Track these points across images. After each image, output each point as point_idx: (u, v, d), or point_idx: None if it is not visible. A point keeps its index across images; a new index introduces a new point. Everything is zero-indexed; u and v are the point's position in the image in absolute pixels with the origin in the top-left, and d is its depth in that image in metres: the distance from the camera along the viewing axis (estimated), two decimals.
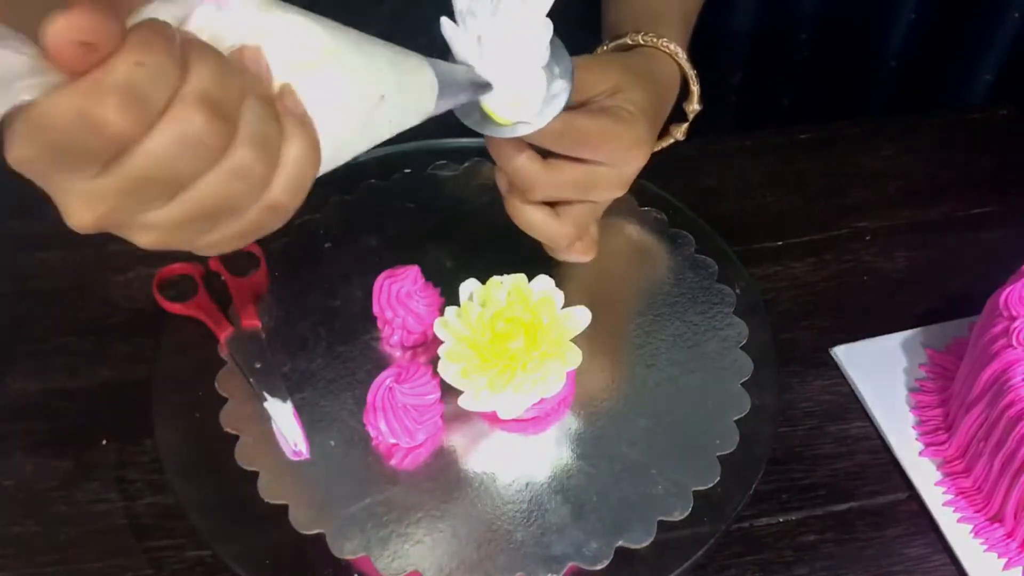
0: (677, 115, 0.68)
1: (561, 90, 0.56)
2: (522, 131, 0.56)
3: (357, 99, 0.46)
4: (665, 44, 0.65)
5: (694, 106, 0.68)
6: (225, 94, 0.38)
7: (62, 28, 0.33)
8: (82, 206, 0.38)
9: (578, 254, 0.64)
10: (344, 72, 0.45)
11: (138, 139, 0.36)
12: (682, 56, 0.66)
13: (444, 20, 0.54)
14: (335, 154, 0.46)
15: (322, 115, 0.44)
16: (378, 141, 0.49)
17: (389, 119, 0.49)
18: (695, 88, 0.67)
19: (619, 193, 0.62)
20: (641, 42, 0.65)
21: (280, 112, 0.41)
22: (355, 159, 0.48)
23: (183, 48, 0.37)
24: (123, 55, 0.35)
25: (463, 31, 0.54)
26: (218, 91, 0.37)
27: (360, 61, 0.46)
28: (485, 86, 0.54)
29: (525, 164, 0.58)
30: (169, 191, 0.39)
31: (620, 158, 0.60)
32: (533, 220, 0.61)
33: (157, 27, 0.37)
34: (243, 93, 0.39)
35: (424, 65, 0.50)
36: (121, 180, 0.37)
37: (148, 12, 0.39)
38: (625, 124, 0.59)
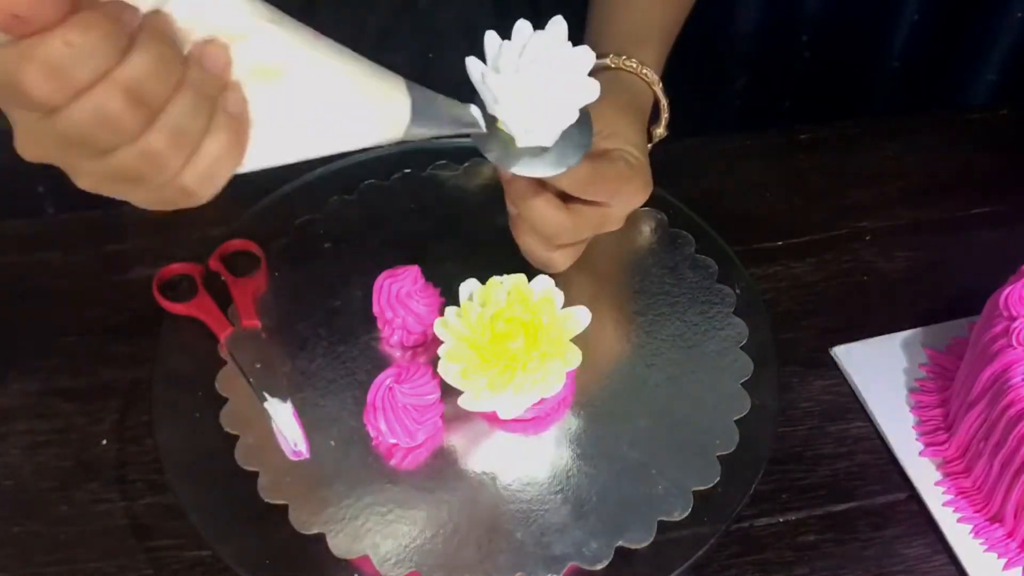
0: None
1: (588, 129, 0.57)
2: (553, 171, 0.56)
3: (308, 116, 0.48)
4: (645, 73, 0.67)
5: (660, 131, 0.70)
6: (154, 85, 0.42)
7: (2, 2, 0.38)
8: (24, 140, 0.44)
9: (559, 263, 0.66)
10: (300, 88, 0.47)
11: (61, 106, 0.41)
12: (659, 87, 0.68)
13: (471, 60, 0.55)
14: (270, 158, 0.48)
15: (266, 123, 0.46)
16: (326, 153, 0.50)
17: (341, 138, 0.50)
18: (665, 116, 0.69)
19: (618, 227, 0.66)
20: (622, 66, 0.67)
21: (217, 108, 0.45)
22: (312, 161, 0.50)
23: (138, 32, 0.41)
24: (57, 32, 0.39)
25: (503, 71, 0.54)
26: (147, 80, 0.42)
27: (324, 79, 0.47)
28: (473, 124, 0.54)
29: (559, 218, 0.61)
30: (94, 152, 0.43)
31: (631, 200, 0.64)
32: (554, 261, 0.65)
33: (108, 10, 0.40)
34: (179, 85, 0.43)
35: (399, 92, 0.50)
36: (52, 132, 0.42)
37: None
38: (635, 170, 0.63)
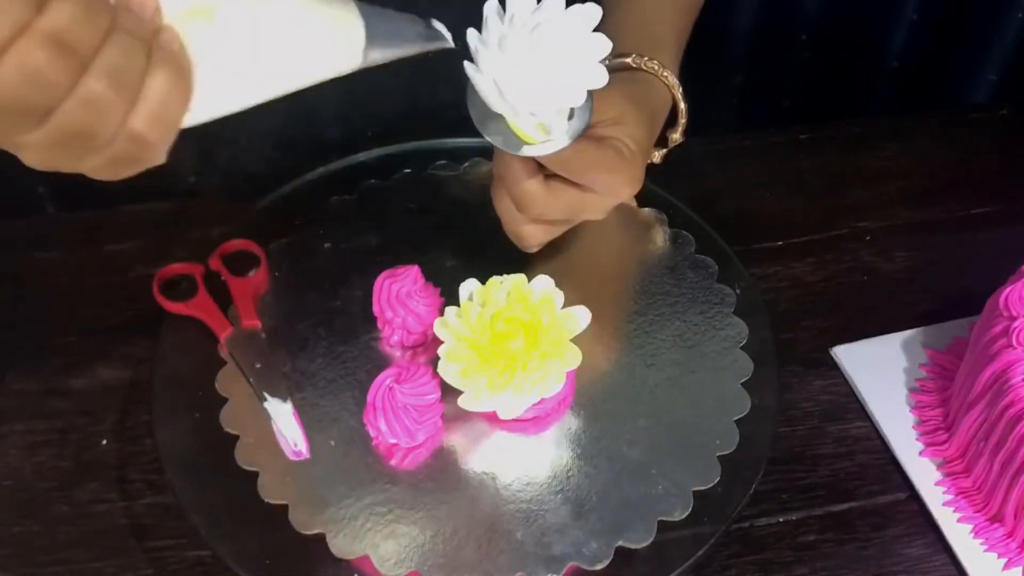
0: (658, 140, 0.68)
1: (585, 112, 0.56)
2: (545, 150, 0.56)
3: (254, 54, 0.46)
4: (666, 76, 0.67)
5: (677, 136, 0.69)
6: (80, 32, 0.40)
7: None
8: None
9: (531, 238, 0.65)
10: (239, 24, 0.45)
11: None
12: (679, 92, 0.67)
13: (471, 31, 0.53)
14: (223, 103, 0.47)
15: (210, 66, 0.45)
16: (284, 92, 0.48)
17: (294, 74, 0.48)
18: (683, 121, 0.68)
19: (600, 218, 0.65)
20: (644, 68, 0.66)
21: (154, 47, 0.43)
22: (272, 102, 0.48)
23: None
24: None
25: (497, 51, 0.53)
26: (70, 29, 0.40)
27: (262, 13, 0.46)
28: (437, 38, 0.51)
29: (532, 187, 0.61)
30: (32, 117, 0.42)
31: (614, 191, 0.62)
32: (525, 234, 0.64)
33: None
34: (108, 31, 0.41)
35: (350, 15, 0.48)
36: None
37: None
38: (625, 161, 0.61)
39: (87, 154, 0.44)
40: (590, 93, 0.56)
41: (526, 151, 0.56)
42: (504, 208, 0.64)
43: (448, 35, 0.52)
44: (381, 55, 0.49)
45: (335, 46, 0.48)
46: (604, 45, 0.54)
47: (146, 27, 0.43)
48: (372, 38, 0.49)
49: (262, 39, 0.46)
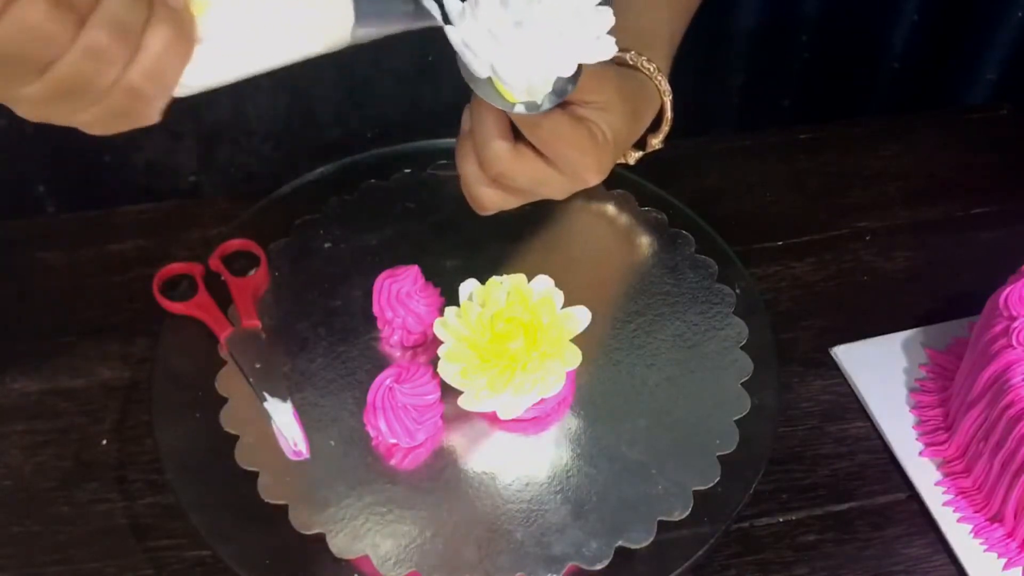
0: (638, 142, 0.67)
1: (573, 82, 0.55)
2: (525, 109, 0.54)
3: (243, 23, 0.47)
4: (660, 80, 0.65)
5: (657, 142, 0.68)
6: None
7: None
8: None
9: (487, 201, 0.62)
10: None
11: None
12: (669, 99, 0.66)
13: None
14: (216, 73, 0.48)
15: (205, 38, 0.46)
16: (273, 66, 0.49)
17: (284, 45, 0.49)
18: (666, 128, 0.67)
19: (559, 198, 0.62)
20: (640, 67, 0.65)
21: (155, 2, 0.44)
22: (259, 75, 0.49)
23: None
24: None
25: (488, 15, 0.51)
26: None
27: None
28: (426, 17, 0.51)
29: (500, 146, 0.58)
30: (32, 70, 0.42)
31: (578, 173, 0.60)
32: (484, 196, 0.61)
33: None
34: None
35: None
36: None
37: None
38: (597, 146, 0.60)
39: (83, 106, 0.45)
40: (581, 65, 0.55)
41: (506, 106, 0.54)
42: (466, 164, 0.60)
43: (437, 13, 0.51)
44: (369, 32, 0.50)
45: (325, 21, 0.49)
46: (607, 18, 0.52)
47: None
48: (361, 15, 0.49)
49: (259, 12, 0.47)
